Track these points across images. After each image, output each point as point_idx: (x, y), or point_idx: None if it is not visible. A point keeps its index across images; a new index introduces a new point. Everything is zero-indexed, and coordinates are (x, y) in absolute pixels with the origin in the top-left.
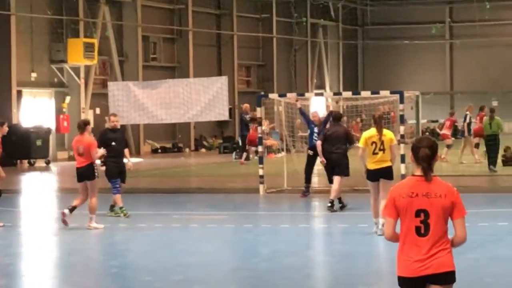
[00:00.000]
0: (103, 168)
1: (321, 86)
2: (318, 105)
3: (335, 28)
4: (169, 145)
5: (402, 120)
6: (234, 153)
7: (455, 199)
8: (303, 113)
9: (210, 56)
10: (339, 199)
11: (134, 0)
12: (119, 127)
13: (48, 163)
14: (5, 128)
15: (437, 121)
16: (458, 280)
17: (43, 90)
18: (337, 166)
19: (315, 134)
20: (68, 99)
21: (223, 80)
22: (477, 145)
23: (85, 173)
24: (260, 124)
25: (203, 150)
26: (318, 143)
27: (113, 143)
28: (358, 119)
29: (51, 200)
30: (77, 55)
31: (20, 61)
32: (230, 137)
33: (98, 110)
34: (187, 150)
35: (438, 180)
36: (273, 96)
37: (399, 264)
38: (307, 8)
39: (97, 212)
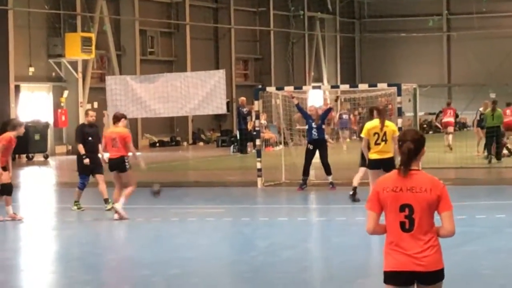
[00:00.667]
0: (87, 160)
1: (318, 79)
2: (316, 98)
3: (332, 21)
4: (167, 139)
5: (400, 112)
6: (232, 147)
7: (440, 193)
8: (300, 109)
9: (207, 49)
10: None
11: None
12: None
13: (46, 157)
14: (22, 129)
15: (434, 113)
16: (456, 272)
17: (41, 85)
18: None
19: (314, 129)
20: (66, 93)
21: (220, 74)
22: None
23: (117, 165)
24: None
25: (201, 143)
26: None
27: (90, 138)
28: (356, 112)
29: (50, 194)
30: (74, 49)
31: (17, 55)
32: (228, 130)
33: (96, 104)
34: (185, 143)
35: (423, 174)
36: (271, 89)
37: (386, 259)
38: (304, 1)
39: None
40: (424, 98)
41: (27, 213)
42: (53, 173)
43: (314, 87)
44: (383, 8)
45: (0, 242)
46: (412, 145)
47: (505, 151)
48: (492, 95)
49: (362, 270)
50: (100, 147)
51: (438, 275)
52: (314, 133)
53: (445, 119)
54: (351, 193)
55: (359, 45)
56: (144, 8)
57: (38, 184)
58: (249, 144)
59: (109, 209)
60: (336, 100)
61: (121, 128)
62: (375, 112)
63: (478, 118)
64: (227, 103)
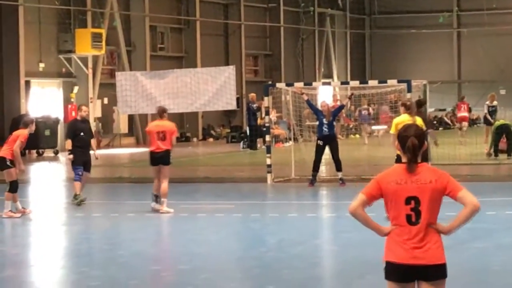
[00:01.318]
0: (71, 156)
1: (328, 75)
2: (326, 94)
3: (342, 17)
4: (177, 135)
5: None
6: (241, 142)
7: (446, 181)
8: (311, 105)
9: (217, 45)
10: None
11: None
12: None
13: (56, 153)
14: (33, 127)
15: (444, 109)
16: (466, 268)
17: (51, 80)
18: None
19: (325, 125)
20: (76, 89)
21: (230, 70)
22: None
23: (163, 158)
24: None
25: (211, 139)
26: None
27: (82, 133)
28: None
29: (59, 190)
30: (85, 45)
31: (28, 51)
32: (237, 126)
33: (106, 100)
34: (194, 139)
35: (427, 166)
36: (281, 85)
37: (388, 249)
38: None
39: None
40: (434, 94)
41: (36, 208)
42: (63, 169)
43: (324, 83)
44: (393, 4)
45: (9, 238)
46: (416, 140)
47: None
48: (502, 91)
49: (372, 266)
50: (93, 142)
51: (439, 269)
52: (325, 129)
53: (460, 114)
54: None
55: (369, 42)
56: (154, 4)
57: (48, 180)
58: (259, 140)
59: (78, 203)
60: (349, 98)
61: (168, 122)
62: (402, 108)
63: (486, 111)
64: (237, 99)
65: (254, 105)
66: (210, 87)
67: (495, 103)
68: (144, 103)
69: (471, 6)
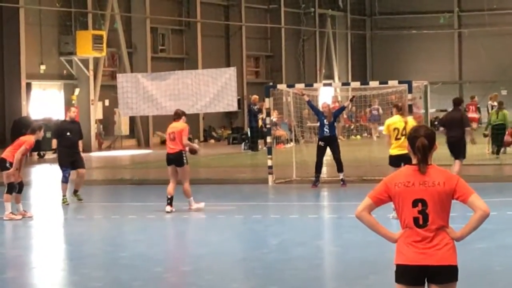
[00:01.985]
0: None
1: (329, 76)
2: (327, 95)
3: (343, 18)
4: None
5: (411, 110)
6: (243, 144)
7: (455, 185)
8: (312, 106)
9: (218, 47)
10: None
11: None
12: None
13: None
14: (41, 133)
15: (445, 110)
16: (469, 269)
17: (52, 83)
18: (455, 150)
19: (326, 126)
20: (77, 91)
21: (231, 71)
22: None
23: (175, 159)
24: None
25: (212, 141)
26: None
27: (68, 133)
28: (367, 109)
29: (61, 192)
30: (86, 47)
31: (29, 53)
32: (239, 128)
33: (107, 102)
34: (196, 141)
35: (436, 168)
36: (282, 86)
37: (398, 252)
38: None
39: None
40: (435, 95)
41: (38, 210)
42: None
43: (325, 84)
44: (394, 5)
45: (11, 240)
46: (426, 141)
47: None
48: (504, 92)
49: (373, 267)
50: (80, 143)
51: (450, 271)
52: (326, 130)
53: (470, 115)
54: None
55: (370, 42)
56: (155, 6)
57: (49, 182)
58: (260, 141)
59: (80, 200)
60: (351, 100)
61: (179, 123)
62: (394, 109)
63: (490, 110)
64: (238, 101)
65: (256, 107)
66: (211, 89)
67: (495, 103)
68: (145, 104)
69: (472, 6)
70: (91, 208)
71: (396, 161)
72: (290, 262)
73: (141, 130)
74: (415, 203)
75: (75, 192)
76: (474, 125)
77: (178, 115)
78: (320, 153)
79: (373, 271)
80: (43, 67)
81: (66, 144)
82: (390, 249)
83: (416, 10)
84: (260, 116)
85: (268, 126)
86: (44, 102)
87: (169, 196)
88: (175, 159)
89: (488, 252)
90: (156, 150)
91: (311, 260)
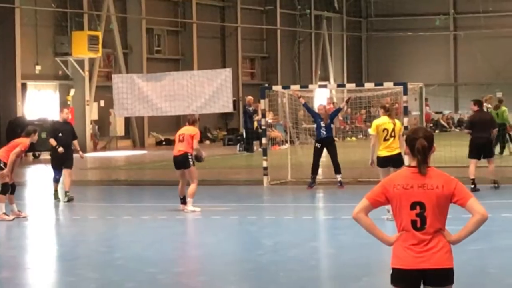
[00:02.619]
0: (61, 149)
1: (325, 78)
2: (322, 96)
3: (339, 20)
4: (173, 137)
5: (406, 111)
6: (238, 145)
7: (454, 188)
8: (308, 108)
9: (214, 48)
10: (494, 181)
11: None
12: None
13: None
14: (36, 137)
15: (441, 112)
16: (463, 271)
17: (47, 83)
18: (486, 150)
19: (322, 127)
20: (72, 91)
21: (227, 72)
22: None
23: (181, 162)
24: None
25: (208, 142)
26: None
27: (60, 134)
28: (363, 111)
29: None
30: (81, 47)
31: (24, 54)
32: (234, 129)
33: (102, 103)
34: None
35: (435, 171)
36: (277, 88)
37: (394, 256)
38: (311, 0)
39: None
40: (430, 97)
41: (33, 211)
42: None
43: (320, 86)
44: (390, 7)
45: (5, 240)
46: (426, 142)
47: None
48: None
49: (369, 268)
50: (75, 143)
51: (446, 274)
52: (323, 131)
53: None
54: (472, 186)
55: (366, 44)
56: (151, 7)
57: (44, 182)
58: (256, 142)
59: (66, 201)
60: (347, 101)
61: (191, 127)
62: (381, 110)
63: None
64: (234, 102)
65: (251, 108)
66: (206, 90)
67: (490, 105)
68: (141, 105)
69: (467, 8)
70: (85, 208)
71: (384, 162)
72: (284, 263)
73: (136, 130)
74: (413, 206)
75: (66, 192)
76: None
77: (193, 121)
78: (317, 154)
79: (367, 273)
80: (38, 67)
81: (59, 144)
82: (384, 251)
83: (412, 12)
84: (255, 117)
85: (263, 127)
86: (40, 103)
87: (181, 197)
88: (181, 161)
89: (482, 254)
90: (151, 150)
91: (306, 261)
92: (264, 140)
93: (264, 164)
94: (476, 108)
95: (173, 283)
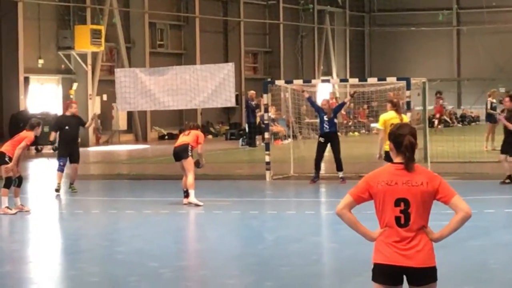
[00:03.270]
0: (52, 146)
1: (328, 72)
2: (325, 91)
3: (341, 14)
4: (176, 132)
5: (409, 106)
6: (240, 140)
7: (438, 185)
8: (312, 102)
9: (217, 42)
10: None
11: None
12: (76, 114)
13: (55, 149)
14: (39, 130)
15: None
16: (464, 267)
17: (50, 77)
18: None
19: (326, 122)
20: (75, 85)
21: (229, 67)
22: None
23: (180, 152)
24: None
25: (210, 136)
26: (503, 119)
27: (67, 127)
28: (365, 106)
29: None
30: (84, 41)
31: (27, 48)
32: (236, 123)
33: (105, 97)
34: None
35: (420, 168)
36: (280, 82)
37: (376, 251)
38: None
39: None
40: (433, 92)
41: (35, 205)
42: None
43: (323, 81)
44: (393, 2)
45: (8, 234)
46: (413, 138)
47: None
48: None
49: (369, 263)
50: (87, 124)
51: (429, 273)
52: (326, 126)
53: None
54: (507, 181)
55: (369, 39)
56: (154, 1)
57: (47, 176)
58: (258, 137)
59: (70, 190)
60: (352, 96)
61: (198, 131)
62: (389, 105)
63: (489, 107)
64: (236, 96)
65: (253, 103)
66: (209, 84)
67: (494, 100)
68: (143, 100)
69: (470, 4)
70: (88, 202)
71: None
72: (286, 258)
73: (138, 125)
74: (397, 202)
75: (70, 184)
76: None
77: (197, 126)
78: (320, 149)
79: (368, 268)
80: (41, 61)
81: (64, 137)
82: None
83: (415, 7)
84: (258, 113)
85: (266, 122)
86: (42, 97)
87: (184, 190)
88: (180, 151)
89: (484, 249)
90: (154, 145)
91: (307, 256)
92: (266, 135)
93: (267, 158)
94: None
95: (175, 277)
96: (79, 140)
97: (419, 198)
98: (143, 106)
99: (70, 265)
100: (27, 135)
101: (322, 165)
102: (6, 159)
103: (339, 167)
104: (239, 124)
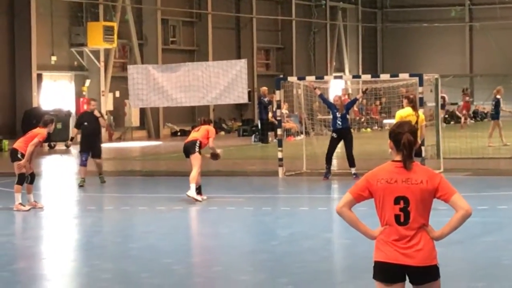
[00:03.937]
0: (69, 143)
1: (340, 69)
2: (337, 88)
3: (354, 11)
4: (188, 128)
5: (421, 103)
6: (253, 136)
7: (438, 183)
8: (324, 99)
9: (229, 39)
10: None
11: None
12: (95, 111)
13: (68, 146)
14: (53, 126)
15: (456, 103)
16: (477, 263)
17: (63, 74)
18: None
19: (338, 118)
20: (88, 82)
21: (242, 63)
22: None
23: (188, 147)
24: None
25: (222, 133)
26: None
27: (85, 123)
28: (378, 102)
29: (71, 183)
30: (96, 38)
31: (40, 44)
32: (249, 120)
33: (117, 93)
34: None
35: (419, 166)
36: (292, 79)
37: (377, 249)
38: None
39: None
40: (446, 88)
41: (48, 201)
42: (75, 162)
43: (335, 77)
44: None
45: (21, 230)
46: (412, 137)
47: None
48: None
49: None
50: (101, 122)
51: (430, 272)
52: (339, 122)
53: None
54: None
55: (381, 35)
56: None
57: (60, 173)
58: (271, 133)
59: (102, 183)
60: (364, 92)
61: (209, 125)
62: (405, 101)
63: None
64: (249, 93)
65: (266, 99)
66: (221, 81)
67: (498, 96)
68: (156, 96)
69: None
70: (101, 199)
71: None
72: (299, 254)
73: (151, 121)
74: (397, 201)
75: (99, 175)
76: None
77: (208, 121)
78: (332, 145)
79: None
80: (54, 58)
81: (84, 132)
82: None
83: (427, 3)
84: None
85: (278, 118)
86: (55, 93)
87: (196, 186)
88: (188, 146)
89: (496, 245)
90: (166, 141)
91: (321, 252)
92: (279, 131)
93: (279, 155)
94: None
95: (188, 273)
96: (111, 133)
97: (419, 196)
98: (156, 103)
99: (83, 261)
100: (39, 132)
101: (335, 161)
102: (19, 155)
103: (352, 163)
104: (251, 120)
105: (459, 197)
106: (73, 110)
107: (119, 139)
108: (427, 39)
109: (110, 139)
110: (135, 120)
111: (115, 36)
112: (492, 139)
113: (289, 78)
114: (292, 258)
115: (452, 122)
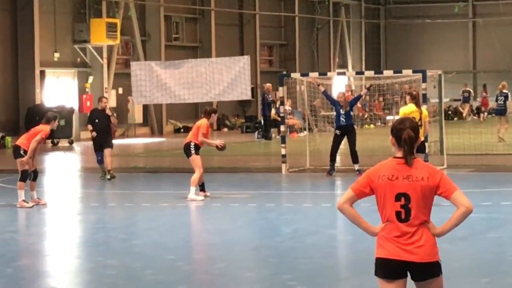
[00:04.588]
0: (94, 133)
1: (343, 65)
2: (340, 84)
3: (357, 7)
4: (191, 125)
5: (425, 99)
6: (256, 132)
7: (439, 180)
8: (327, 95)
9: (232, 35)
10: None
11: None
12: (106, 108)
13: (71, 143)
14: (56, 123)
15: (459, 100)
16: (481, 259)
17: (66, 70)
18: None
19: (342, 115)
20: (91, 79)
21: (245, 60)
22: None
23: (184, 150)
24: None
25: (225, 129)
26: None
27: (97, 120)
28: (381, 98)
29: (74, 179)
30: (99, 35)
31: (43, 41)
32: (252, 116)
33: (120, 90)
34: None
35: (421, 163)
36: (295, 75)
37: (378, 246)
38: None
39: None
40: (449, 84)
41: (52, 198)
42: (77, 159)
43: (338, 73)
44: None
45: (24, 227)
46: (412, 132)
47: None
48: None
49: None
50: (113, 119)
51: (432, 268)
52: (342, 119)
53: None
54: None
55: (384, 31)
56: None
57: (63, 169)
58: (274, 130)
59: (108, 179)
60: (368, 88)
61: (203, 119)
62: (408, 97)
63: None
64: (252, 89)
65: (269, 96)
66: (224, 77)
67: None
68: (159, 93)
69: None
70: (104, 195)
71: None
72: (303, 250)
73: (154, 118)
74: (398, 197)
75: (109, 171)
76: None
77: (205, 111)
78: (336, 141)
79: None
80: (57, 55)
81: (96, 129)
82: None
83: None
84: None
85: (282, 115)
86: (58, 90)
87: (199, 184)
88: (184, 151)
89: (500, 241)
90: (170, 138)
91: (324, 248)
92: (282, 128)
93: (283, 151)
94: None
95: (191, 269)
96: (114, 130)
97: (420, 193)
98: (159, 99)
99: (87, 258)
100: (42, 129)
101: (338, 158)
102: (21, 152)
103: (355, 160)
104: (254, 117)
105: (460, 194)
106: (76, 107)
107: (122, 135)
108: (430, 35)
109: (113, 136)
110: (138, 116)
111: (118, 33)
112: (507, 134)
113: (292, 75)
114: (296, 254)
115: (455, 118)
